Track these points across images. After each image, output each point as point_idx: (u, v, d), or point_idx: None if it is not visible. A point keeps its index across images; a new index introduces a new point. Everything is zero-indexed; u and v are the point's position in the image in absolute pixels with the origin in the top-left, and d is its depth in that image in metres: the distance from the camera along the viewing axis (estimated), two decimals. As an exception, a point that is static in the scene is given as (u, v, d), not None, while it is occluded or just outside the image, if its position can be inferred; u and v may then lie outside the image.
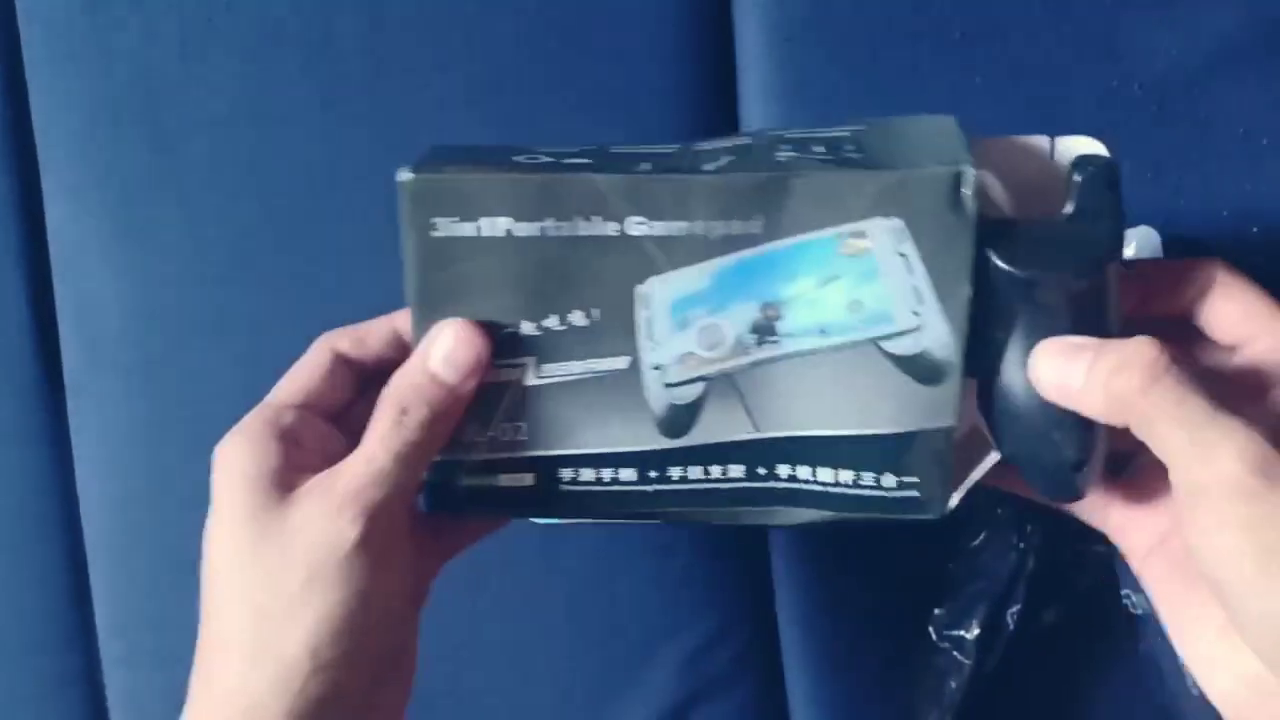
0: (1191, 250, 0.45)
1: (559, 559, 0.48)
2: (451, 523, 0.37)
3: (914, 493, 0.34)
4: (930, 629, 0.46)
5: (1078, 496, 0.33)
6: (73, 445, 0.49)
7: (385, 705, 0.34)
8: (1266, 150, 0.45)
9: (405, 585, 0.33)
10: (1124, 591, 0.45)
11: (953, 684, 0.45)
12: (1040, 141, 0.34)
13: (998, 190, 0.32)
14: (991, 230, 0.31)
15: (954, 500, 0.34)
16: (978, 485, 0.34)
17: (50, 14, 0.48)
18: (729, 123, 0.48)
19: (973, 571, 0.46)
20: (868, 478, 0.34)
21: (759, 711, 0.50)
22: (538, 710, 0.48)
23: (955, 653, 0.46)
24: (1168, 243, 0.45)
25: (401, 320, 0.35)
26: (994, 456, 0.34)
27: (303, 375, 0.34)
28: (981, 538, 0.45)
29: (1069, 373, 0.30)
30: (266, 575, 0.31)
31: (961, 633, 0.46)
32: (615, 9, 0.47)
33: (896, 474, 0.34)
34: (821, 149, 0.33)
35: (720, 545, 0.49)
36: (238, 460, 0.32)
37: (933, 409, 0.33)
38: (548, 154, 0.33)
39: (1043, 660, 0.46)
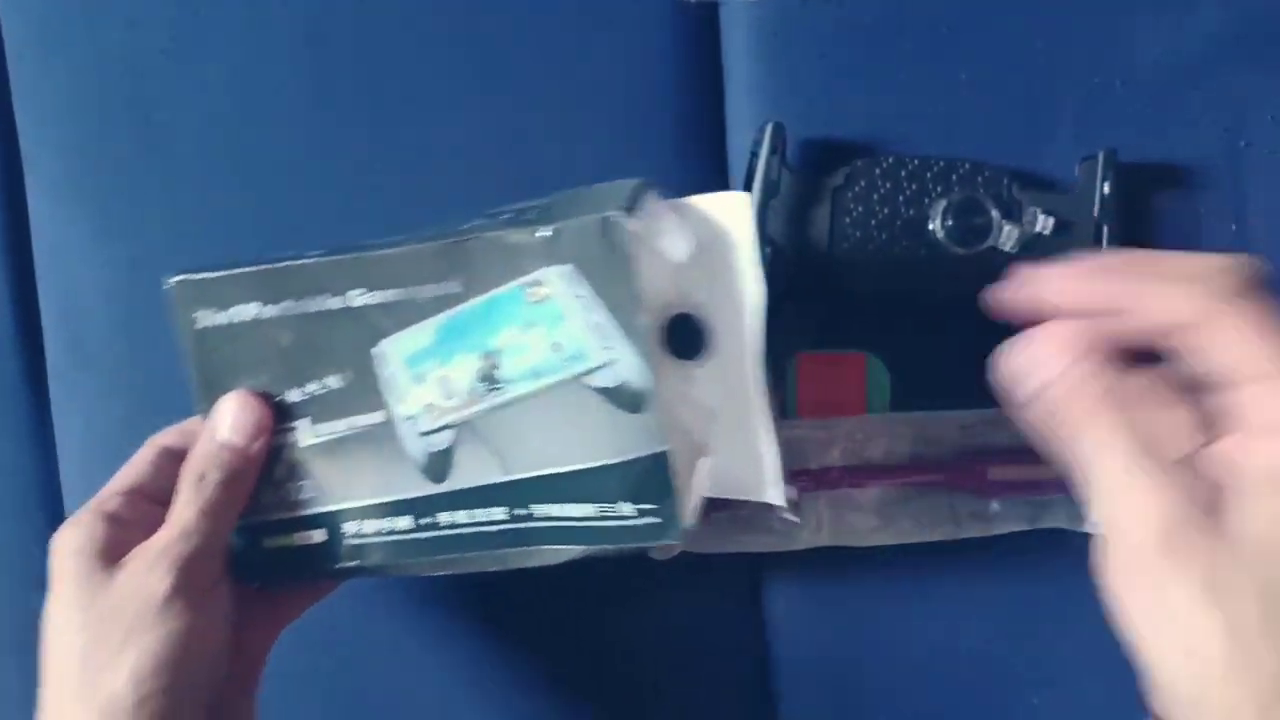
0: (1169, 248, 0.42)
1: (553, 592, 0.48)
2: (273, 596, 0.41)
3: (654, 519, 0.35)
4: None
5: None
6: (56, 443, 0.49)
7: None
8: (1245, 152, 0.46)
9: (221, 628, 0.38)
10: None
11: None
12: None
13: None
14: None
15: (689, 521, 0.35)
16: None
17: (34, 6, 0.48)
18: (716, 120, 0.47)
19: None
20: (608, 509, 0.36)
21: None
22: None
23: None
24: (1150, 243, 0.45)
25: None
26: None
27: (131, 469, 0.40)
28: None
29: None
30: (94, 629, 0.36)
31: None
32: (601, 7, 0.47)
33: (633, 502, 0.35)
34: (508, 216, 0.36)
35: (714, 594, 0.48)
36: (69, 542, 0.37)
37: (644, 436, 0.35)
38: (309, 254, 0.38)
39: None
